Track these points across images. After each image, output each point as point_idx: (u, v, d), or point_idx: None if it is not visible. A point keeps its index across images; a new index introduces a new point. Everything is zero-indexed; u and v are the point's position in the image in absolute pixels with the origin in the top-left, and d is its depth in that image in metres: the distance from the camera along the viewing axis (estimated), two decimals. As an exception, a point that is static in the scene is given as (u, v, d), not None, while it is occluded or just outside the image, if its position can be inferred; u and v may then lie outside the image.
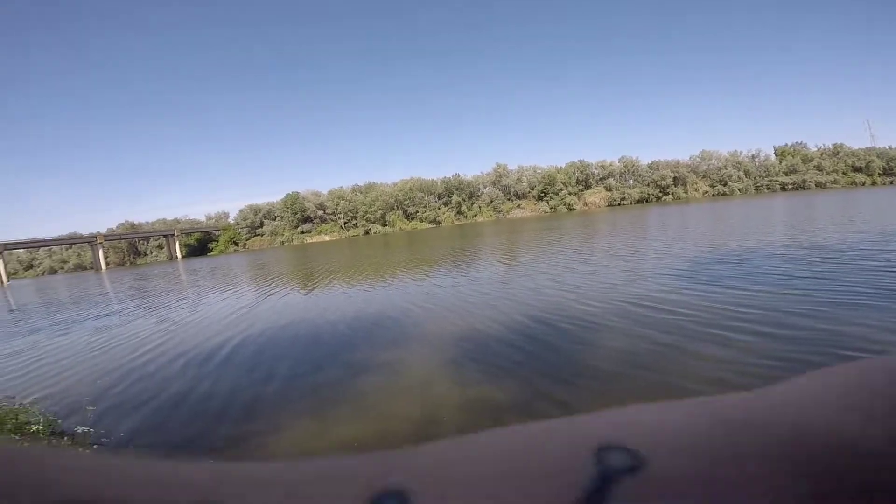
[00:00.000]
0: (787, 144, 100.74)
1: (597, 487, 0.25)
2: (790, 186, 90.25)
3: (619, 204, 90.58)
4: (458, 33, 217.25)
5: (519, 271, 12.93)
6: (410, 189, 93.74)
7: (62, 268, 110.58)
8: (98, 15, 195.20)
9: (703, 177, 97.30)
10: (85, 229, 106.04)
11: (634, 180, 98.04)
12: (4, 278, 79.22)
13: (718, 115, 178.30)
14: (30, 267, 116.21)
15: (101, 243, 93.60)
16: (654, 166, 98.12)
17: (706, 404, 0.33)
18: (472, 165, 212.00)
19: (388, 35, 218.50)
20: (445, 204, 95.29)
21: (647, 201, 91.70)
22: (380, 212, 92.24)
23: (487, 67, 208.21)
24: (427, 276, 14.64)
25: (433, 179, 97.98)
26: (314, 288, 14.66)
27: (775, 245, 13.01)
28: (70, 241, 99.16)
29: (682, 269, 10.73)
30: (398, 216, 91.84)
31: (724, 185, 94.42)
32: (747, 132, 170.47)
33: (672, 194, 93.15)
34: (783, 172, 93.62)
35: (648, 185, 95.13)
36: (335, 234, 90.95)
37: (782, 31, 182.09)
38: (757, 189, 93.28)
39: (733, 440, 0.29)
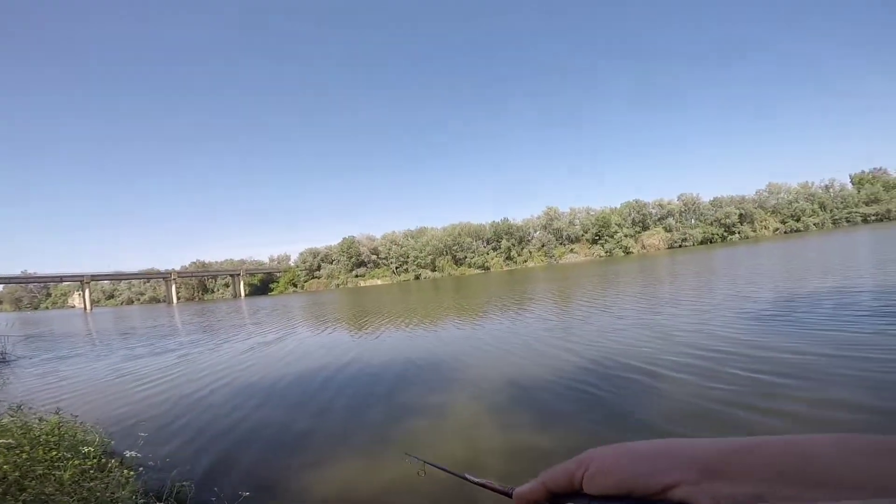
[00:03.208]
0: (864, 171, 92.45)
1: None
2: (873, 218, 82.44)
3: (680, 245, 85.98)
4: (500, 79, 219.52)
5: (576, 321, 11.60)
6: (459, 234, 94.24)
7: (139, 299, 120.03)
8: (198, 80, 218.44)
9: (773, 212, 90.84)
10: (161, 265, 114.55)
11: (696, 219, 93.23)
12: (89, 306, 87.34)
13: (784, 141, 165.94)
14: (111, 297, 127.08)
15: (174, 279, 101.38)
16: (716, 203, 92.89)
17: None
18: (521, 209, 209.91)
19: (433, 82, 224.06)
20: (494, 249, 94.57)
21: (711, 242, 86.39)
22: (429, 257, 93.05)
23: (532, 107, 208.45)
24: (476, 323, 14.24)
25: (481, 224, 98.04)
26: (369, 329, 14.76)
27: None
28: (147, 275, 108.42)
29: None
30: (447, 261, 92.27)
31: (797, 220, 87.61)
32: (817, 158, 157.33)
33: (739, 233, 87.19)
34: (863, 203, 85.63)
35: (712, 223, 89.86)
36: (387, 278, 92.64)
37: (854, 44, 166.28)
38: (835, 223, 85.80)
39: None
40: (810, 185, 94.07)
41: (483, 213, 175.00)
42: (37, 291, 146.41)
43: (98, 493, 2.80)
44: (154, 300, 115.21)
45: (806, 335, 7.64)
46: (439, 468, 0.57)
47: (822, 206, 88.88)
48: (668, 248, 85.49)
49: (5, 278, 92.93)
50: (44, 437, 3.90)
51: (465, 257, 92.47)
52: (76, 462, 3.28)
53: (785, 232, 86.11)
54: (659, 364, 6.94)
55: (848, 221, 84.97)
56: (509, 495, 0.43)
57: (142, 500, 3.11)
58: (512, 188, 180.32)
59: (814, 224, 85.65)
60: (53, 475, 2.86)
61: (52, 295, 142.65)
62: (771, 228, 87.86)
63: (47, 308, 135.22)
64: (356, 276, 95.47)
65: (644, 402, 5.47)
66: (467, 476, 0.55)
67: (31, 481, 2.67)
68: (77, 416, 5.11)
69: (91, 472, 3.25)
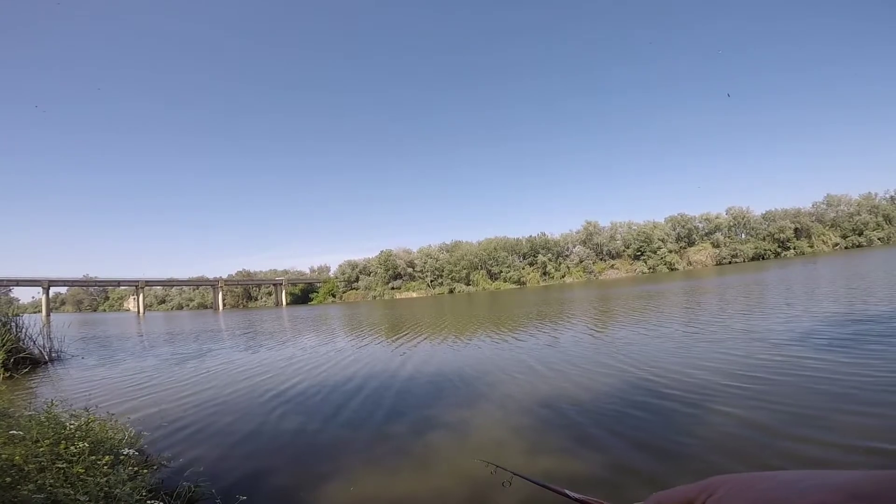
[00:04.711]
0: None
1: None
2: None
3: (729, 262, 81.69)
4: (541, 91, 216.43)
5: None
6: (494, 248, 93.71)
7: (188, 305, 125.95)
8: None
9: (832, 226, 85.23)
10: (210, 273, 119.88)
11: (746, 234, 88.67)
12: (142, 309, 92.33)
13: (840, 152, 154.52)
14: (163, 302, 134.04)
15: (221, 287, 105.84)
16: (769, 217, 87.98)
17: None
18: (559, 223, 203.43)
19: (469, 102, 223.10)
20: (531, 264, 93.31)
21: (763, 258, 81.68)
22: (464, 271, 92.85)
23: (574, 121, 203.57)
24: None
25: (518, 238, 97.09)
26: (403, 342, 14.39)
27: None
28: (197, 282, 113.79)
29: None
30: (482, 276, 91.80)
31: (860, 234, 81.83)
32: (877, 170, 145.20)
33: (794, 248, 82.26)
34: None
35: (764, 238, 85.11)
36: (422, 291, 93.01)
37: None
38: (903, 237, 79.51)
39: None
40: (874, 196, 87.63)
41: (520, 227, 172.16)
42: (96, 294, 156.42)
43: (91, 487, 2.71)
44: (202, 306, 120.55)
45: None
46: (532, 481, 0.46)
47: (888, 219, 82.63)
48: (717, 264, 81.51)
49: (68, 281, 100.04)
50: (71, 432, 3.93)
51: (501, 272, 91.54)
52: (91, 458, 3.25)
53: (846, 247, 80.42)
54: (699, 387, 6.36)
55: (917, 236, 78.81)
56: None
57: (148, 498, 3.02)
58: (551, 203, 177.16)
59: (878, 238, 79.68)
60: (64, 469, 2.81)
61: (110, 298, 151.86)
62: (830, 243, 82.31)
63: (105, 311, 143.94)
64: (392, 288, 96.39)
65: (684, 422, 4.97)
66: (567, 492, 0.49)
67: (40, 473, 2.64)
68: (113, 414, 5.18)
69: (104, 467, 3.20)
